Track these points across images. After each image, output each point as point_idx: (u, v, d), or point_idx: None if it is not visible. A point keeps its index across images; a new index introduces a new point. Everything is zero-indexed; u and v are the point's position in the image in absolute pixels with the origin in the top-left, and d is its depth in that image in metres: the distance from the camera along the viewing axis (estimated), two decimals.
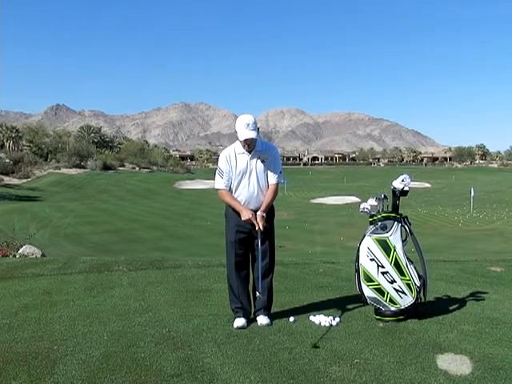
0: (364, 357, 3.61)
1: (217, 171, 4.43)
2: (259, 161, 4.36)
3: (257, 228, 4.30)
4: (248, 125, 4.19)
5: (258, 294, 4.38)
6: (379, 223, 4.48)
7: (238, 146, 4.38)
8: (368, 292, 4.47)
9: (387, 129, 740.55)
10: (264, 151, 4.39)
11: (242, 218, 4.31)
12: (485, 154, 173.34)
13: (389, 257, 4.40)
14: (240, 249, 4.45)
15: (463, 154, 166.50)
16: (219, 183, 4.41)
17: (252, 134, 4.19)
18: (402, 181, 4.53)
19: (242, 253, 4.47)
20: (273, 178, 4.42)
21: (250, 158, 4.35)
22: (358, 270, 4.52)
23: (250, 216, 4.29)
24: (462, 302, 5.04)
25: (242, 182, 4.38)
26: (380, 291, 4.43)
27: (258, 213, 4.33)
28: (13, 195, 50.19)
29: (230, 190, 4.42)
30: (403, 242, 4.49)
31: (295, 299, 5.25)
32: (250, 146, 4.28)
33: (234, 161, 4.36)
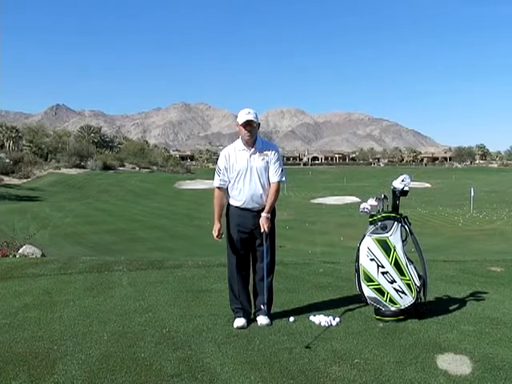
0: (364, 357, 3.61)
1: (216, 169, 4.47)
2: (260, 158, 4.35)
3: (262, 230, 4.30)
4: (249, 112, 4.27)
5: (262, 306, 4.41)
6: (379, 223, 4.48)
7: (238, 144, 4.39)
8: (368, 292, 4.47)
9: (387, 129, 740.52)
10: (264, 149, 4.38)
11: (213, 232, 4.40)
12: (485, 154, 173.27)
13: (389, 257, 4.40)
14: (241, 249, 4.45)
15: (463, 154, 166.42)
16: (216, 181, 4.46)
17: (251, 117, 4.24)
18: (402, 181, 4.53)
19: (243, 253, 4.47)
20: (274, 177, 4.39)
21: (250, 155, 4.35)
22: (358, 270, 4.53)
23: (216, 234, 4.40)
24: (461, 302, 5.03)
25: (243, 179, 4.36)
26: (380, 291, 4.43)
27: (263, 214, 4.33)
28: (13, 195, 50.10)
29: (227, 189, 4.44)
30: (403, 242, 4.49)
31: (295, 299, 5.25)
32: (250, 132, 4.28)
33: (233, 158, 4.36)
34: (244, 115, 4.27)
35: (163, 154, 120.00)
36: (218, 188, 4.45)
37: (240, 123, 4.28)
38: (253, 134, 4.31)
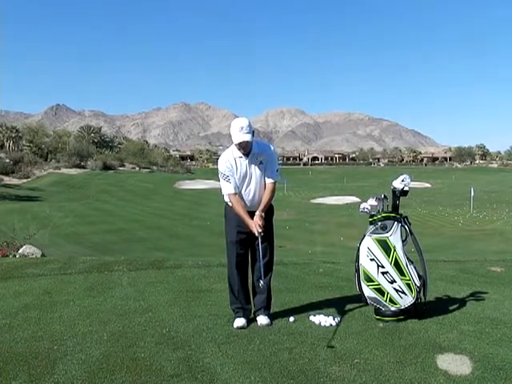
0: (364, 357, 3.61)
1: (221, 177, 4.36)
2: (257, 164, 4.34)
3: (254, 231, 4.24)
4: (242, 128, 4.15)
5: (261, 282, 4.31)
6: (379, 223, 4.48)
7: (234, 150, 4.34)
8: (368, 292, 4.47)
9: (387, 129, 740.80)
10: (261, 153, 4.35)
11: (253, 230, 4.27)
12: (485, 154, 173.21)
13: (389, 257, 4.40)
14: (241, 249, 4.45)
15: (463, 154, 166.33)
16: (228, 188, 4.33)
17: (246, 137, 4.15)
18: (402, 181, 4.53)
19: (242, 253, 4.47)
20: (270, 177, 4.39)
21: (249, 162, 4.32)
22: (358, 270, 4.53)
23: (257, 230, 4.25)
24: (461, 302, 5.04)
25: (243, 185, 4.36)
26: (380, 291, 4.43)
27: (257, 212, 4.30)
28: (13, 195, 50.03)
29: (239, 194, 4.38)
30: (403, 242, 4.49)
31: (295, 299, 5.26)
32: (244, 149, 4.25)
33: (234, 164, 4.33)
34: (238, 133, 4.15)
35: (163, 154, 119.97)
36: (234, 194, 4.34)
37: (235, 143, 4.23)
38: (248, 148, 4.27)
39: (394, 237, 4.45)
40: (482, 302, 5.07)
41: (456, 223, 35.54)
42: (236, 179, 4.33)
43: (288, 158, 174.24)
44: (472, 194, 42.70)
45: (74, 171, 74.64)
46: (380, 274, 4.41)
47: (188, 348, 3.82)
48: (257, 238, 4.33)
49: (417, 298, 4.45)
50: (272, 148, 4.49)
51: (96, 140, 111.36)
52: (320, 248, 24.78)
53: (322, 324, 4.35)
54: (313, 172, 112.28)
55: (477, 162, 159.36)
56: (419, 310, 4.51)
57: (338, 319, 4.43)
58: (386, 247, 4.42)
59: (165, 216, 39.70)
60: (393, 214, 4.51)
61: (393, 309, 4.43)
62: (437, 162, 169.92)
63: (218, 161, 4.42)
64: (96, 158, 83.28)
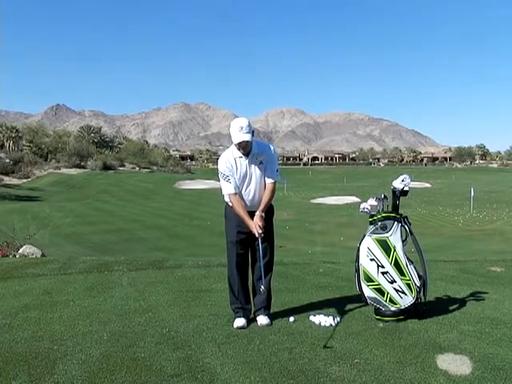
0: (364, 357, 3.61)
1: (221, 177, 4.36)
2: (257, 164, 4.34)
3: (254, 231, 4.23)
4: (242, 128, 4.14)
5: (262, 287, 4.31)
6: (379, 223, 4.48)
7: (234, 150, 4.34)
8: (368, 292, 4.47)
9: (387, 129, 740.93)
10: (260, 153, 4.35)
11: (253, 231, 4.27)
12: (485, 154, 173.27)
13: (389, 257, 4.40)
14: (241, 249, 4.45)
15: (463, 154, 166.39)
16: (228, 188, 4.33)
17: (246, 137, 4.15)
18: (402, 181, 4.53)
19: (242, 253, 4.47)
20: (270, 177, 4.39)
21: (249, 162, 4.32)
22: (358, 270, 4.53)
23: (258, 230, 4.25)
24: (461, 302, 5.04)
25: (243, 185, 4.36)
26: (380, 291, 4.43)
27: (257, 213, 4.30)
28: (13, 195, 50.02)
29: (239, 194, 4.37)
30: (403, 242, 4.49)
31: (295, 299, 5.26)
32: (244, 148, 4.25)
33: (234, 165, 4.33)
34: (237, 133, 4.15)
35: (163, 154, 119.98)
36: (234, 194, 4.34)
37: (235, 143, 4.23)
38: (248, 147, 4.26)
39: (394, 237, 4.45)
40: (481, 302, 5.07)
41: (456, 223, 35.54)
42: (236, 179, 4.34)
43: (288, 158, 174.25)
44: (472, 194, 42.69)
45: (73, 171, 74.61)
46: (380, 274, 4.41)
47: (188, 348, 3.82)
48: (257, 238, 4.33)
49: (417, 298, 4.45)
50: (272, 148, 4.48)
51: (96, 140, 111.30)
52: (320, 248, 24.77)
53: (322, 324, 4.35)
54: (313, 172, 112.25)
55: (477, 161, 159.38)
56: (419, 310, 4.51)
57: (338, 319, 4.43)
58: (386, 247, 4.42)
59: (165, 216, 39.68)
60: (393, 214, 4.51)
61: (393, 309, 4.43)
62: (437, 162, 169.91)
63: (218, 161, 4.42)
64: (96, 158, 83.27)
